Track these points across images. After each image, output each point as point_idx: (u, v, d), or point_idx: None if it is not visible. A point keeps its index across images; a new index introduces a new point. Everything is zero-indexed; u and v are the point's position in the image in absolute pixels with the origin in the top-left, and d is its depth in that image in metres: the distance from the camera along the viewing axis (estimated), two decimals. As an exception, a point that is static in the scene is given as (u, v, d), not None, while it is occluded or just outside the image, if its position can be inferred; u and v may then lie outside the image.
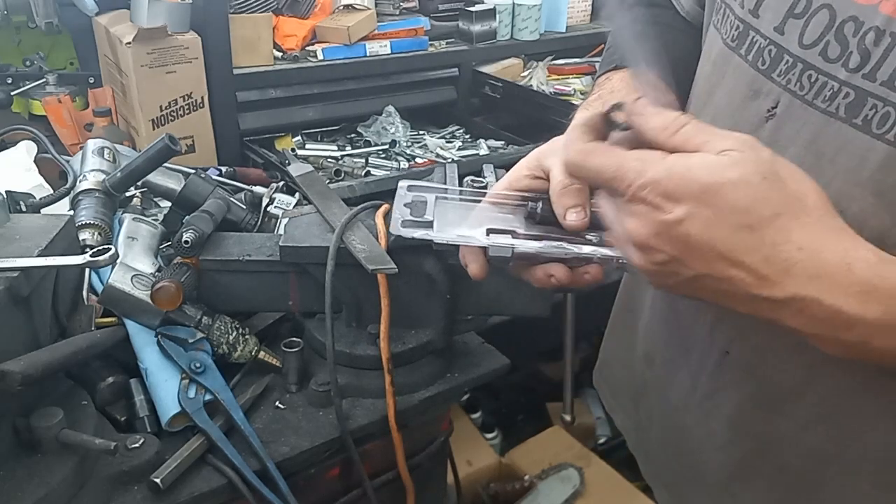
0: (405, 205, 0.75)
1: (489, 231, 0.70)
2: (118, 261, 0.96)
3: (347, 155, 1.94)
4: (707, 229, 0.53)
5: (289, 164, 1.66)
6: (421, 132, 2.15)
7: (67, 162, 1.27)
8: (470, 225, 0.72)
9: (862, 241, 0.55)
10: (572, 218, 0.66)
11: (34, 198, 1.17)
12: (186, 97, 1.70)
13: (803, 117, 0.64)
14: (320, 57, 1.94)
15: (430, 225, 0.72)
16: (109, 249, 0.83)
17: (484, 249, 0.71)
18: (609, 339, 1.11)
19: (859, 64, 0.59)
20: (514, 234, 0.70)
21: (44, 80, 1.77)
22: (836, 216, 0.55)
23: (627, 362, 1.02)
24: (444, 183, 1.01)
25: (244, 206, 1.24)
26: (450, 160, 1.96)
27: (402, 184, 0.79)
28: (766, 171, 0.53)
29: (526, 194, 0.72)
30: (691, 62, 0.83)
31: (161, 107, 1.68)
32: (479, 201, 0.76)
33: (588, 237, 0.67)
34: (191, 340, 0.98)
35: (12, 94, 1.73)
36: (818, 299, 0.53)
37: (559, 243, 0.68)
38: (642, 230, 0.55)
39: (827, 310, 0.53)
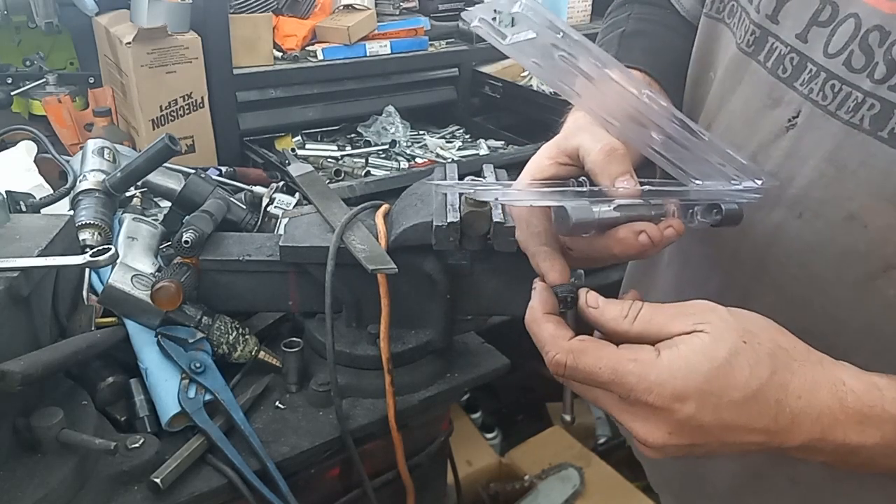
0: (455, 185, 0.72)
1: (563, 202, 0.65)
2: (118, 261, 0.96)
3: (347, 155, 1.94)
4: (718, 414, 0.54)
5: (289, 164, 1.66)
6: (421, 132, 2.15)
7: (67, 162, 1.27)
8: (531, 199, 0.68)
9: (844, 369, 0.57)
10: (623, 185, 0.63)
11: (34, 198, 1.17)
12: (186, 97, 1.70)
13: (825, 128, 0.62)
14: (320, 57, 1.94)
15: (498, 190, 0.70)
16: (109, 249, 0.83)
17: (560, 247, 0.69)
18: None
19: (885, 75, 0.57)
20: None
21: (44, 80, 1.78)
22: (810, 350, 0.57)
23: None
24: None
25: (244, 206, 1.24)
26: (450, 160, 1.96)
27: (436, 187, 0.76)
28: (742, 332, 0.55)
29: (554, 181, 0.69)
30: (685, 63, 0.82)
31: (161, 107, 1.68)
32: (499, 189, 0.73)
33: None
34: (191, 340, 0.98)
35: (12, 94, 1.74)
36: (822, 437, 0.55)
37: (636, 201, 0.63)
38: (657, 433, 0.56)
39: (832, 444, 0.56)
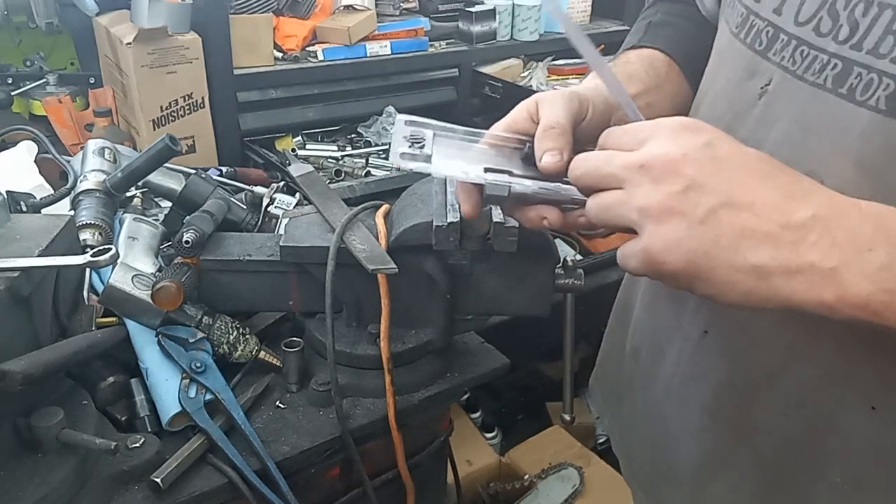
0: (403, 138, 0.74)
1: (486, 169, 0.70)
2: (119, 261, 0.96)
3: (348, 155, 1.94)
4: (733, 154, 0.53)
5: (289, 164, 1.67)
6: (421, 132, 2.15)
7: (68, 162, 1.27)
8: (467, 163, 0.71)
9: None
10: (547, 160, 0.66)
11: (35, 198, 1.17)
12: (187, 97, 1.71)
13: (793, 92, 0.64)
14: (320, 57, 1.95)
15: (428, 159, 0.72)
16: (110, 249, 0.83)
17: (480, 187, 0.71)
18: (605, 341, 1.12)
19: (848, 35, 0.59)
20: (510, 173, 0.70)
21: (44, 80, 1.78)
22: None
23: (617, 361, 1.02)
24: (444, 184, 1.02)
25: (245, 207, 1.24)
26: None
27: (401, 118, 0.78)
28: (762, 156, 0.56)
29: (523, 137, 0.72)
30: (705, 56, 0.84)
31: (161, 107, 1.68)
32: (476, 140, 0.76)
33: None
34: (191, 340, 0.99)
35: (13, 94, 1.74)
36: (837, 217, 0.51)
37: (556, 185, 0.68)
38: (672, 149, 0.54)
39: (846, 229, 0.51)
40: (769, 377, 0.71)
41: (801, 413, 0.69)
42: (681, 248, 0.53)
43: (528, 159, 0.71)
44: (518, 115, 0.74)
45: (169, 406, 0.93)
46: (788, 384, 0.69)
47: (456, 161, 0.72)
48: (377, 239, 0.99)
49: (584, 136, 0.71)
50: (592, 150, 0.63)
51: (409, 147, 0.73)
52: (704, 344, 0.77)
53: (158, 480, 0.85)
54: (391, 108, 2.06)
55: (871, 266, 0.49)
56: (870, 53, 0.58)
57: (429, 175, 0.82)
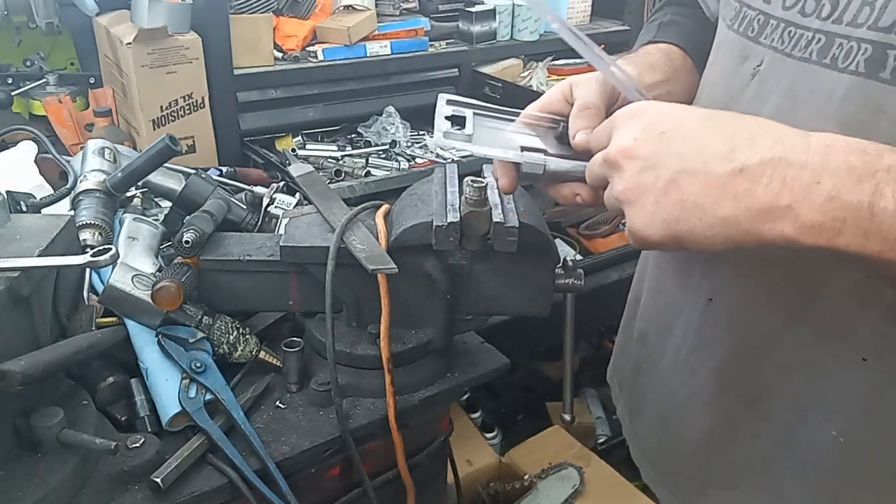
0: (445, 117, 0.79)
1: (523, 148, 0.75)
2: (119, 261, 0.96)
3: (348, 155, 1.94)
4: (676, 123, 0.60)
5: (289, 164, 1.67)
6: (421, 132, 2.15)
7: (68, 162, 1.27)
8: (503, 142, 0.76)
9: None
10: (581, 137, 0.72)
11: (35, 198, 1.17)
12: (187, 97, 1.71)
13: (783, 68, 0.70)
14: (321, 57, 1.95)
15: (468, 138, 0.77)
16: (110, 249, 0.83)
17: (517, 165, 0.75)
18: (619, 336, 1.14)
19: (830, 12, 0.65)
20: (545, 152, 0.75)
21: (44, 80, 1.78)
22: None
23: (628, 349, 1.05)
24: (444, 184, 1.02)
25: (245, 207, 1.24)
26: (450, 160, 1.97)
27: (442, 97, 0.83)
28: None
29: (557, 117, 0.78)
30: (710, 52, 0.89)
31: (161, 107, 1.68)
32: (513, 120, 0.80)
33: None
34: (191, 340, 0.99)
35: (13, 94, 1.74)
36: (785, 157, 0.56)
37: (588, 163, 0.71)
38: (624, 138, 0.62)
39: (794, 165, 0.55)
40: (773, 338, 0.75)
41: (804, 371, 0.73)
42: (655, 221, 0.60)
43: (562, 138, 0.76)
44: (552, 96, 0.80)
45: (169, 406, 0.93)
46: (791, 344, 0.73)
47: (495, 140, 0.77)
48: (377, 239, 0.99)
49: None
50: None
51: (451, 127, 0.78)
52: (709, 312, 0.81)
53: (158, 480, 0.85)
54: (391, 108, 2.06)
55: (820, 198, 0.54)
56: (849, 25, 0.63)
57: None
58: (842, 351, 0.70)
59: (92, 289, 1.07)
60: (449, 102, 0.81)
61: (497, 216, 0.93)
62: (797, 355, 0.73)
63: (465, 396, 2.24)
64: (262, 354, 1.04)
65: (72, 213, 1.09)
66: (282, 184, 1.42)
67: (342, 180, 1.79)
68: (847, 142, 0.56)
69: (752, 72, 0.73)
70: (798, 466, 0.77)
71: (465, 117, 0.79)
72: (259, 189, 1.37)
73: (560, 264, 1.03)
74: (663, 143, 0.59)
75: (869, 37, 0.62)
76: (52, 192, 1.23)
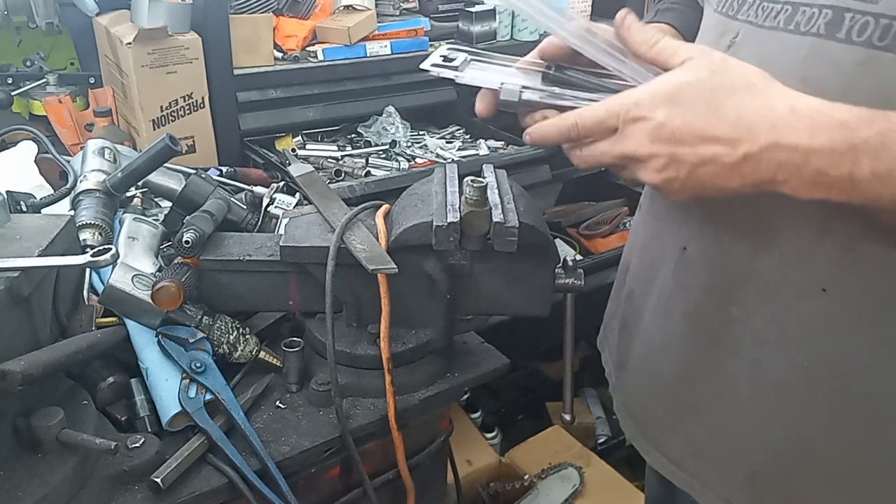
0: (440, 56, 0.87)
1: (503, 83, 0.82)
2: (119, 261, 0.96)
3: (348, 155, 1.94)
4: (684, 120, 0.68)
5: (289, 164, 1.66)
6: (421, 132, 2.15)
7: (68, 162, 1.27)
8: (489, 78, 0.84)
9: (801, 94, 0.67)
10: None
11: (35, 198, 1.17)
12: (187, 97, 1.71)
13: (755, 38, 0.78)
14: (321, 57, 1.95)
15: (456, 69, 0.84)
16: (110, 249, 0.83)
17: (496, 94, 0.82)
18: (610, 302, 1.17)
19: None
20: (524, 86, 0.82)
21: (44, 80, 1.78)
22: (777, 84, 0.68)
23: (616, 312, 1.10)
24: (444, 184, 1.02)
25: (245, 207, 1.24)
26: (450, 160, 1.97)
27: (445, 45, 0.90)
28: (715, 66, 0.69)
29: (547, 63, 0.84)
30: None
31: (161, 107, 1.68)
32: (508, 66, 0.86)
33: (587, 96, 0.79)
34: (191, 340, 0.99)
35: (13, 94, 1.74)
36: (777, 142, 0.66)
37: (561, 92, 0.80)
38: (642, 142, 0.70)
39: (786, 149, 0.65)
40: (740, 277, 0.82)
41: (767, 306, 0.80)
42: (685, 193, 0.72)
43: (546, 77, 0.83)
44: (547, 43, 0.85)
45: (169, 406, 0.93)
46: (755, 281, 0.81)
47: (481, 74, 0.84)
48: (377, 239, 0.99)
49: None
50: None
51: (443, 61, 0.86)
52: (684, 259, 0.89)
53: (158, 480, 0.85)
54: (391, 108, 2.06)
55: (808, 175, 0.66)
56: None
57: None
58: (803, 283, 0.77)
59: (92, 289, 1.07)
60: (449, 48, 0.88)
61: (497, 216, 0.93)
62: (761, 291, 0.80)
63: (465, 396, 2.24)
64: (262, 354, 1.04)
65: (72, 213, 1.09)
66: (282, 184, 1.42)
67: (342, 180, 1.79)
68: (831, 115, 0.65)
69: (728, 43, 0.82)
70: (763, 396, 0.83)
71: (457, 58, 0.87)
72: (259, 189, 1.37)
73: (560, 264, 1.03)
74: (678, 139, 0.69)
75: (829, 3, 0.71)
76: (52, 192, 1.23)
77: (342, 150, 1.96)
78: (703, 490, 0.91)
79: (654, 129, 0.69)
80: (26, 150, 1.39)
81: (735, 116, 0.67)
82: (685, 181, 0.70)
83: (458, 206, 0.95)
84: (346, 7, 2.03)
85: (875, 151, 0.63)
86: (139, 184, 1.20)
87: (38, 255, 0.85)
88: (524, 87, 0.81)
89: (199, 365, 0.96)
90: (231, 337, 1.01)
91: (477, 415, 2.32)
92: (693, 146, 0.68)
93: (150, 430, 0.94)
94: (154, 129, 1.68)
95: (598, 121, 0.72)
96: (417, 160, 1.99)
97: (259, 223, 1.24)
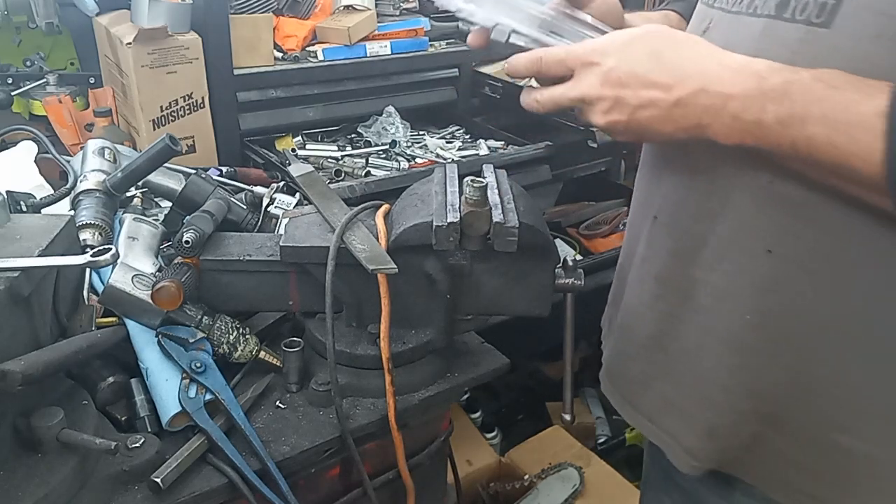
0: None
1: (498, 24, 0.90)
2: (119, 261, 0.96)
3: (348, 155, 1.94)
4: (630, 67, 0.78)
5: (289, 164, 1.66)
6: (421, 132, 2.15)
7: (68, 162, 1.27)
8: (489, 15, 0.91)
9: (732, 53, 0.76)
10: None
11: (35, 198, 1.17)
12: (187, 97, 1.71)
13: (724, 23, 0.87)
14: (321, 57, 1.95)
15: (467, 2, 0.92)
16: (110, 249, 0.83)
17: (489, 32, 0.91)
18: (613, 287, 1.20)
19: None
20: (514, 30, 0.90)
21: (44, 80, 1.78)
22: (716, 47, 0.78)
23: (614, 294, 1.14)
24: (444, 184, 1.02)
25: (245, 207, 1.24)
26: (450, 160, 1.97)
27: None
28: (664, 30, 0.81)
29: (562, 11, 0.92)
30: None
31: (161, 107, 1.68)
32: (524, 9, 0.92)
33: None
34: (191, 340, 0.99)
35: (13, 94, 1.74)
36: (704, 88, 0.75)
37: (547, 39, 0.88)
38: (593, 84, 0.80)
39: (710, 94, 0.75)
40: (699, 241, 0.89)
41: (723, 265, 0.87)
42: (629, 135, 0.83)
43: (543, 24, 0.90)
44: None
45: (169, 406, 0.93)
46: (712, 244, 0.87)
47: (483, 12, 0.91)
48: (377, 239, 0.99)
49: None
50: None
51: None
52: (655, 227, 0.96)
53: (158, 480, 0.85)
54: (391, 108, 2.06)
55: (727, 119, 0.75)
56: None
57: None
58: (751, 245, 0.84)
59: (92, 289, 1.07)
60: None
61: (497, 216, 0.93)
62: (718, 253, 0.87)
63: (465, 396, 2.24)
64: (262, 354, 1.04)
65: (72, 213, 1.09)
66: (282, 184, 1.42)
67: (342, 180, 1.78)
68: (750, 67, 0.74)
69: (704, 28, 0.90)
70: (718, 349, 0.89)
71: None
72: (259, 189, 1.37)
73: (560, 264, 1.03)
74: (622, 84, 0.79)
75: None
76: (52, 192, 1.23)
77: (342, 150, 1.96)
78: (671, 443, 0.98)
79: (604, 73, 0.79)
80: (26, 150, 1.39)
81: (672, 66, 0.77)
82: (628, 123, 0.80)
83: (458, 206, 0.95)
84: (346, 7, 2.03)
85: (779, 98, 0.71)
86: (139, 184, 1.20)
87: (38, 255, 0.85)
88: (513, 32, 0.89)
89: (199, 365, 0.96)
90: (231, 337, 1.01)
91: (477, 415, 2.32)
92: (635, 90, 0.78)
93: (150, 430, 0.94)
94: (154, 129, 1.68)
95: (559, 60, 0.83)
96: (417, 160, 1.99)
97: (259, 223, 1.24)
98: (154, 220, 1.17)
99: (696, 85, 0.75)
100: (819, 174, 0.75)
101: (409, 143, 2.06)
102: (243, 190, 1.38)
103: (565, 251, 2.22)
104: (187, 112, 1.72)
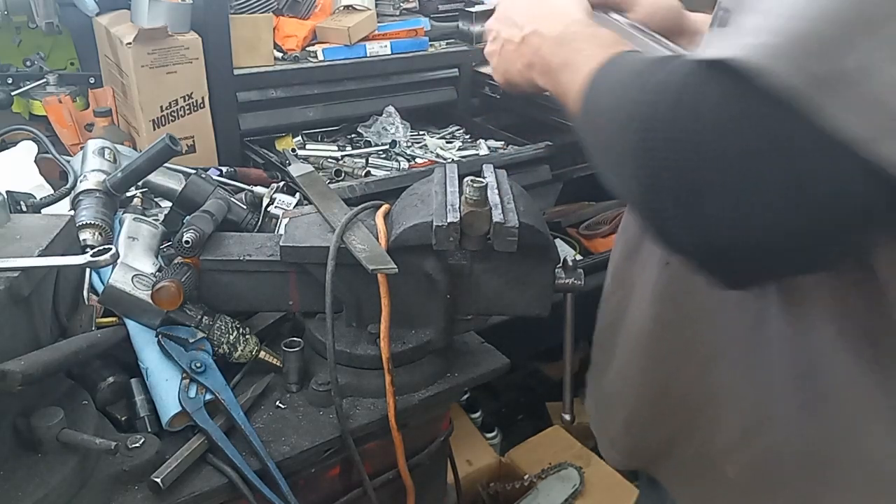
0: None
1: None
2: (119, 261, 0.96)
3: (348, 155, 1.94)
4: (509, 8, 0.90)
5: (289, 164, 1.66)
6: (421, 132, 2.15)
7: (68, 162, 1.27)
8: None
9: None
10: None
11: (35, 198, 1.17)
12: (187, 97, 1.71)
13: None
14: (321, 57, 1.94)
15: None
16: (110, 249, 0.84)
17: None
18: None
19: None
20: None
21: (44, 80, 1.77)
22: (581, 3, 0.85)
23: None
24: (444, 184, 1.02)
25: (245, 207, 1.24)
26: (450, 160, 1.97)
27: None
28: None
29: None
30: None
31: (161, 107, 1.68)
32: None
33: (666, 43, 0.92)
34: (191, 340, 0.99)
35: (13, 94, 1.73)
36: (538, 30, 0.84)
37: (641, 39, 0.91)
38: (491, 21, 0.93)
39: (540, 35, 0.83)
40: (637, 243, 0.92)
41: (644, 270, 0.90)
42: (499, 68, 0.92)
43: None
44: None
45: (169, 406, 0.93)
46: (643, 251, 0.91)
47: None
48: (377, 239, 0.99)
49: None
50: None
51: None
52: (622, 227, 1.00)
53: (158, 480, 0.85)
54: (391, 108, 2.05)
55: (542, 59, 0.83)
56: None
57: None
58: (659, 255, 0.87)
59: (92, 289, 1.07)
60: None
61: (497, 216, 0.93)
62: (644, 258, 0.91)
63: (465, 396, 2.24)
64: (262, 354, 1.04)
65: (72, 213, 1.09)
66: (282, 184, 1.42)
67: (342, 180, 1.78)
68: (572, 17, 0.82)
69: None
70: (635, 348, 0.92)
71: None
72: (259, 189, 1.37)
73: (560, 264, 1.03)
74: (500, 23, 0.90)
75: None
76: (52, 192, 1.23)
77: (342, 150, 1.96)
78: (599, 432, 1.02)
79: (496, 12, 0.92)
80: (26, 150, 1.39)
81: (533, 10, 0.86)
82: (499, 55, 0.90)
83: (458, 206, 0.95)
84: (346, 7, 2.03)
85: (560, 44, 0.80)
86: (139, 184, 1.20)
87: (38, 255, 0.85)
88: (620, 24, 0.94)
89: (199, 365, 0.96)
90: (231, 337, 1.01)
91: (477, 415, 2.31)
92: (507, 27, 0.88)
93: (150, 430, 0.94)
94: (154, 129, 1.68)
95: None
96: (417, 160, 1.99)
97: (259, 223, 1.24)
98: (154, 220, 1.17)
99: (534, 26, 0.84)
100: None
101: (409, 143, 2.06)
102: (243, 190, 1.38)
103: (565, 251, 2.21)
104: (187, 112, 1.72)
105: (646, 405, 0.92)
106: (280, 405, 1.02)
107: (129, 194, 1.26)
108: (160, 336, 0.98)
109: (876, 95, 0.49)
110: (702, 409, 0.85)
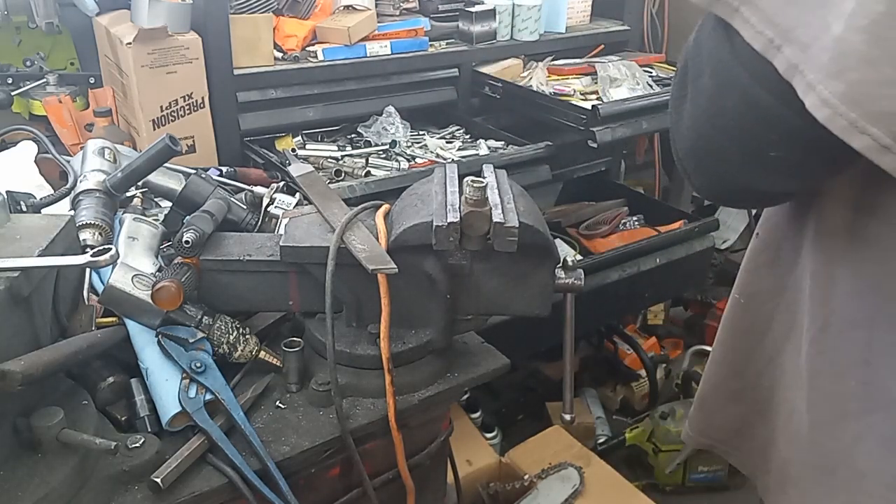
0: None
1: None
2: (119, 261, 0.96)
3: (348, 155, 1.94)
4: None
5: (289, 164, 1.66)
6: (421, 132, 2.15)
7: (68, 162, 1.27)
8: None
9: None
10: None
11: (35, 198, 1.17)
12: (187, 97, 1.71)
13: None
14: (321, 57, 1.95)
15: None
16: (110, 249, 0.84)
17: None
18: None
19: None
20: None
21: (44, 80, 1.78)
22: None
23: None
24: (444, 184, 1.02)
25: (245, 207, 1.24)
26: (450, 160, 1.97)
27: None
28: None
29: None
30: None
31: (161, 107, 1.68)
32: None
33: None
34: (191, 340, 0.99)
35: (13, 94, 1.74)
36: None
37: None
38: None
39: None
40: None
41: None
42: None
43: None
44: None
45: (169, 406, 0.93)
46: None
47: None
48: (377, 239, 0.99)
49: None
50: None
51: None
52: None
53: (158, 480, 0.85)
54: (391, 108, 2.06)
55: None
56: None
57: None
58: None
59: (92, 289, 1.07)
60: None
61: (497, 216, 0.93)
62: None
63: (465, 396, 2.24)
64: (262, 354, 1.04)
65: (72, 213, 1.09)
66: (282, 184, 1.42)
67: (342, 180, 1.79)
68: None
69: None
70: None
71: None
72: (259, 189, 1.37)
73: (560, 264, 1.03)
74: None
75: None
76: (52, 192, 1.23)
77: (342, 150, 1.96)
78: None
79: None
80: (26, 150, 1.39)
81: None
82: None
83: (458, 206, 0.95)
84: (346, 7, 2.03)
85: None
86: (139, 184, 1.20)
87: (38, 255, 0.85)
88: None
89: (199, 365, 0.96)
90: (231, 337, 1.01)
91: (477, 415, 2.31)
92: None
93: (150, 430, 0.94)
94: (154, 129, 1.68)
95: None
96: (417, 160, 1.99)
97: (259, 223, 1.24)
98: (154, 220, 1.18)
99: None
100: None
101: (409, 143, 2.06)
102: (243, 190, 1.38)
103: (565, 251, 2.22)
104: (187, 112, 1.72)
105: (722, 382, 0.93)
106: (280, 405, 1.02)
107: (129, 194, 1.26)
108: (160, 336, 0.98)
109: (767, 14, 0.57)
110: (774, 391, 0.85)
